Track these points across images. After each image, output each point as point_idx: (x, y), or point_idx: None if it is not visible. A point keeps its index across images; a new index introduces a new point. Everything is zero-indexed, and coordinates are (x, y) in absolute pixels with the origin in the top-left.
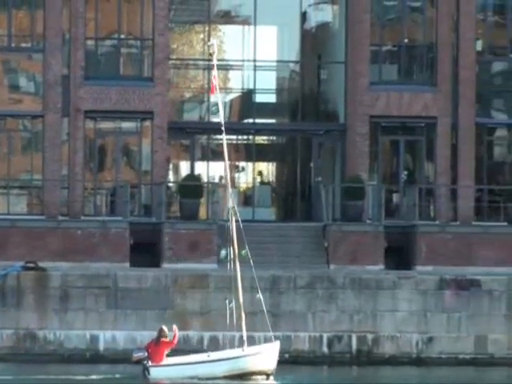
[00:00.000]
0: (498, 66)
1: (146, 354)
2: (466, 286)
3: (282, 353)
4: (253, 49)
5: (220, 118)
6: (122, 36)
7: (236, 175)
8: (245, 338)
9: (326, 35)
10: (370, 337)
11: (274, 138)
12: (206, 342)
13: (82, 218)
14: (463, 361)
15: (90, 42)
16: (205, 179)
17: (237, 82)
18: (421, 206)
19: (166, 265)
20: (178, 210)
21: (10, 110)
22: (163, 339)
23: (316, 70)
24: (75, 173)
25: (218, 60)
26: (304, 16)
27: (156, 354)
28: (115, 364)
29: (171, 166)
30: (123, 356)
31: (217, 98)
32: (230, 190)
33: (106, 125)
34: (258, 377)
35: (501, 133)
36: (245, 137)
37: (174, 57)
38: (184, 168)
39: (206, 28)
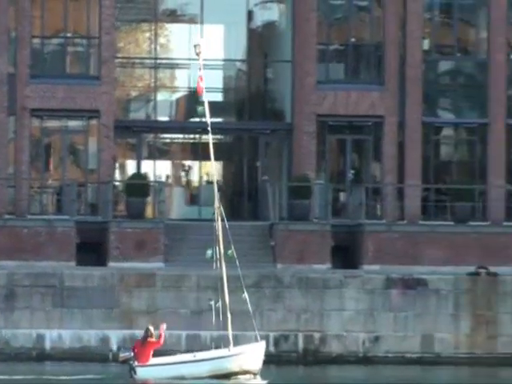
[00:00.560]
0: (444, 65)
1: (132, 353)
2: (413, 285)
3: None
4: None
5: (207, 119)
6: (69, 34)
7: (182, 174)
8: (230, 338)
9: (272, 34)
10: (316, 336)
11: (221, 137)
12: None
13: (29, 216)
14: (410, 360)
15: (37, 41)
16: (151, 178)
17: (183, 80)
18: (368, 205)
19: (112, 264)
20: (124, 209)
21: None
22: (149, 339)
23: (263, 69)
24: (21, 171)
25: (164, 59)
26: (251, 15)
27: (142, 353)
28: (61, 362)
29: (118, 164)
30: (69, 355)
31: (204, 98)
32: (216, 190)
33: (53, 123)
34: (243, 376)
35: (447, 132)
36: (191, 136)
37: (121, 55)
38: (130, 167)
39: (153, 27)
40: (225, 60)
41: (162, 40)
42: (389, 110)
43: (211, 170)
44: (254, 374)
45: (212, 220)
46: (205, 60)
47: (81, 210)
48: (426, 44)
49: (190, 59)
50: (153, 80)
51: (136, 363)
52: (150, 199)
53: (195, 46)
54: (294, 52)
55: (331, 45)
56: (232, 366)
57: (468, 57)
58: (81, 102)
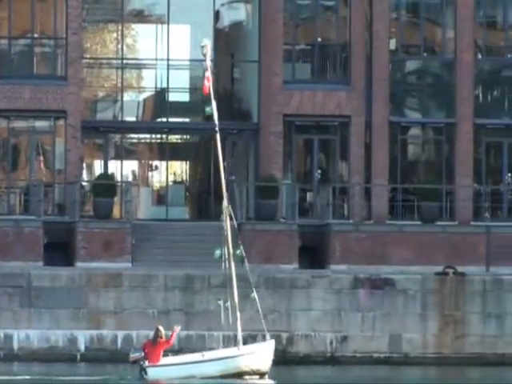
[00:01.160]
0: (411, 65)
1: (143, 354)
2: (381, 285)
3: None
4: (166, 48)
5: (214, 119)
6: (36, 35)
7: (149, 174)
8: (239, 337)
9: (239, 34)
10: (284, 336)
11: (188, 136)
12: (119, 341)
13: None
14: (378, 360)
15: (3, 41)
16: (118, 178)
17: (150, 80)
18: (335, 204)
19: (79, 264)
20: (91, 209)
21: None
22: (160, 339)
23: (229, 69)
24: None
25: (131, 59)
26: (217, 15)
27: (153, 354)
28: (30, 363)
29: (85, 165)
30: (37, 355)
31: (211, 98)
32: (224, 190)
33: (20, 124)
34: (253, 376)
35: (414, 131)
36: (158, 136)
37: (88, 56)
38: (98, 167)
39: (119, 27)
40: (191, 60)
41: (128, 40)
42: (355, 109)
43: (220, 170)
44: (264, 374)
45: (178, 220)
46: (171, 60)
47: (48, 211)
48: (392, 44)
49: (156, 59)
50: (120, 80)
51: (147, 363)
52: (117, 199)
53: (202, 47)
54: (261, 52)
55: (298, 45)
56: (242, 365)
57: (435, 56)
58: (48, 103)
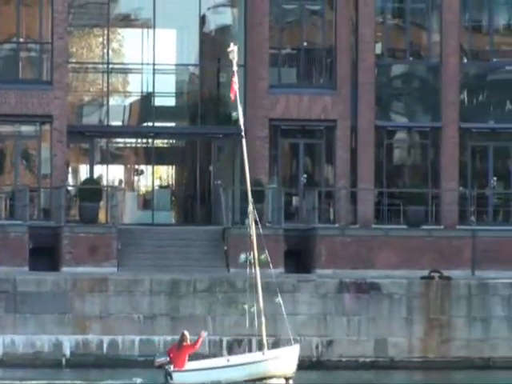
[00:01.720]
0: (397, 69)
1: (168, 358)
2: (366, 289)
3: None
4: (152, 52)
5: (240, 123)
6: (21, 40)
7: (135, 178)
8: (265, 341)
9: (225, 38)
10: (270, 340)
11: (174, 141)
12: (105, 346)
13: None
14: (363, 364)
15: None
16: (104, 183)
17: (136, 85)
18: (320, 209)
19: (65, 268)
20: (77, 214)
21: None
22: (185, 343)
23: (215, 74)
24: None
25: (117, 63)
26: (203, 19)
27: (178, 358)
28: (15, 368)
29: (70, 169)
30: (23, 361)
31: (237, 103)
32: (250, 194)
33: (5, 128)
34: (278, 380)
35: (400, 136)
36: (144, 140)
37: (73, 60)
38: (83, 171)
39: (105, 32)
40: (177, 64)
41: (114, 45)
42: (341, 114)
43: (245, 175)
44: (289, 378)
45: (164, 224)
46: (157, 64)
47: (34, 215)
48: (378, 48)
49: (142, 64)
50: (105, 85)
51: (172, 368)
52: (102, 204)
53: (229, 52)
54: (247, 56)
55: (283, 49)
56: (267, 370)
57: (420, 61)
58: (33, 108)
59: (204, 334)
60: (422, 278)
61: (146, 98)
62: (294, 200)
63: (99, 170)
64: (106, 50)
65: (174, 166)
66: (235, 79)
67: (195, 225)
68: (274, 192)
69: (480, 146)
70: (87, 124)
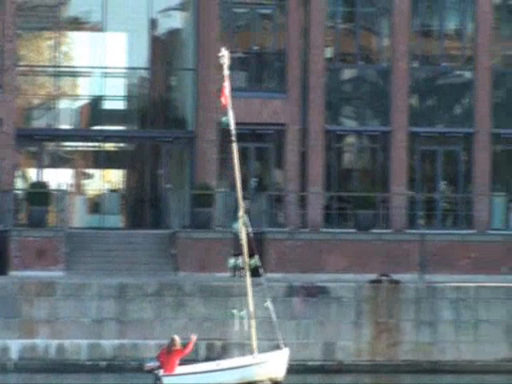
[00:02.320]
0: (347, 73)
1: (158, 363)
2: (315, 292)
3: (129, 360)
4: (102, 55)
5: (231, 128)
6: None
7: (84, 182)
8: (255, 346)
9: (175, 42)
10: (218, 344)
11: (123, 145)
12: (53, 351)
13: None
14: (312, 367)
15: None
16: (53, 186)
17: (85, 88)
18: (270, 212)
19: (13, 272)
20: (25, 218)
21: None
22: (174, 348)
23: (166, 77)
24: None
25: (66, 67)
26: (154, 23)
27: (168, 363)
28: None
29: (19, 173)
30: None
31: (228, 108)
32: (240, 198)
33: None
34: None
35: (350, 140)
36: (93, 144)
37: (22, 63)
38: (32, 175)
39: (55, 34)
40: (128, 68)
41: (64, 48)
42: (291, 117)
43: (236, 176)
44: (279, 382)
45: (113, 228)
46: (107, 68)
47: None
48: (328, 52)
49: (92, 67)
50: (55, 88)
51: (162, 372)
52: (51, 208)
53: (220, 57)
54: (197, 60)
55: (234, 53)
56: (257, 373)
57: (371, 65)
58: None
59: (194, 337)
60: (371, 281)
61: (96, 102)
62: (244, 204)
63: (48, 173)
64: (55, 53)
65: (123, 170)
66: (226, 84)
67: (144, 229)
68: (224, 196)
69: (429, 150)
70: (36, 127)
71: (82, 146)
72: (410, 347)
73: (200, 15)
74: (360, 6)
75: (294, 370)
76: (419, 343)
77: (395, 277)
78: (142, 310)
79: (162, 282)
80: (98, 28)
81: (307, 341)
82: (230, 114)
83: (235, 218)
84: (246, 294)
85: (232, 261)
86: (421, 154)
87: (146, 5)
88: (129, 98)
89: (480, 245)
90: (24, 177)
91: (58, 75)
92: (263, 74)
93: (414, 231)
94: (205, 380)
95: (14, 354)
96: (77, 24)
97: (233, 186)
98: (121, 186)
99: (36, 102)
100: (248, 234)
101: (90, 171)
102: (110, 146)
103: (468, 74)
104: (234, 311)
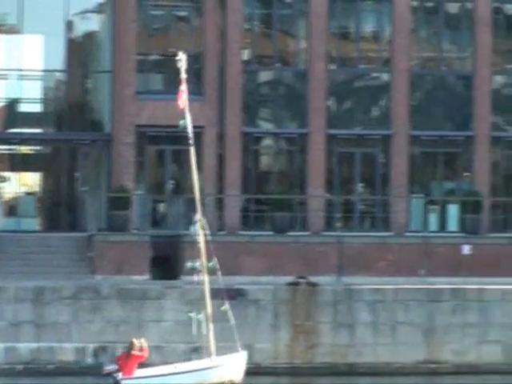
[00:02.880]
0: (264, 76)
1: (117, 366)
2: (233, 295)
3: (45, 364)
4: (18, 58)
5: (189, 131)
6: None
7: (0, 185)
8: (212, 349)
9: (92, 44)
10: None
11: (40, 147)
12: None
13: None
14: None
15: None
16: None
17: (1, 91)
18: (187, 215)
19: None
20: None
21: None
22: (133, 352)
23: (82, 80)
24: None
25: None
26: (70, 25)
27: (126, 366)
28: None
29: None
30: None
31: (185, 112)
32: (198, 201)
33: None
34: None
35: (267, 142)
36: (10, 147)
37: None
38: None
39: None
40: (44, 70)
41: None
42: (209, 120)
43: (193, 180)
44: None
45: (29, 231)
46: (24, 70)
47: None
48: (245, 54)
49: (8, 70)
50: None
51: (120, 376)
52: None
53: (178, 60)
54: (114, 62)
55: (150, 55)
56: (215, 376)
57: (288, 67)
58: None
59: (143, 341)
60: (289, 284)
61: (12, 104)
62: (161, 206)
63: None
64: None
65: (39, 173)
66: (183, 88)
67: (61, 232)
68: (141, 199)
69: (347, 152)
70: None
71: None
72: (328, 349)
73: (116, 18)
74: (277, 9)
75: None
76: (337, 345)
77: (313, 279)
78: (58, 313)
79: (79, 285)
80: (14, 30)
81: (225, 343)
82: (188, 117)
83: (192, 222)
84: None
85: (189, 264)
86: (338, 156)
87: (63, 7)
88: (45, 100)
89: (398, 247)
90: None
91: None
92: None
93: (331, 233)
94: (163, 383)
95: None
96: None
97: (149, 189)
98: (37, 189)
99: None
100: (206, 238)
101: (6, 174)
102: (26, 149)
103: (385, 76)
104: (192, 314)
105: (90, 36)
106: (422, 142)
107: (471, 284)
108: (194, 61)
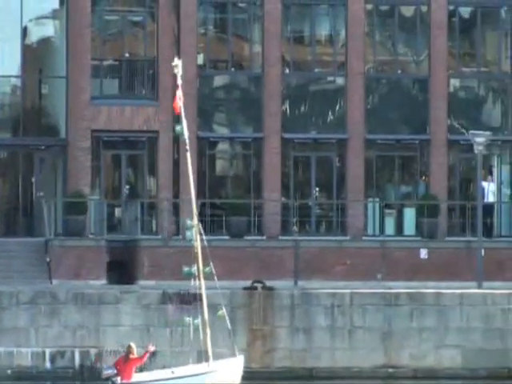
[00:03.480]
0: (219, 80)
1: (115, 371)
2: (189, 300)
3: (4, 368)
4: None
5: (185, 138)
6: None
7: None
8: (210, 353)
9: (47, 50)
10: (92, 352)
11: None
12: None
13: None
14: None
15: None
16: None
17: None
18: (143, 220)
19: None
20: None
21: None
22: (131, 356)
23: (37, 85)
24: None
25: None
26: (25, 30)
27: (125, 370)
28: None
29: None
30: None
31: (181, 117)
32: (194, 207)
33: None
34: None
35: (223, 146)
36: None
37: None
38: None
39: None
40: None
41: None
42: (163, 125)
43: (190, 184)
44: None
45: None
46: None
47: None
48: (200, 59)
49: None
50: None
51: (119, 380)
52: None
53: (174, 67)
54: (69, 68)
55: (105, 60)
56: (212, 381)
57: (243, 71)
58: None
59: (151, 347)
60: (245, 288)
61: None
62: (117, 211)
63: None
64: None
65: None
66: (179, 93)
67: (18, 237)
68: (96, 203)
69: (302, 156)
70: None
71: None
72: (285, 354)
73: (71, 23)
74: (231, 13)
75: None
76: (294, 350)
77: (269, 283)
78: (16, 317)
79: (37, 289)
80: None
81: (181, 348)
82: (184, 123)
83: (188, 227)
84: (117, 302)
85: (186, 269)
86: (294, 161)
87: (18, 13)
88: (1, 105)
89: (355, 251)
90: None
91: None
92: (135, 81)
93: (287, 238)
94: None
95: None
96: None
97: (105, 194)
98: None
99: None
100: (203, 242)
101: None
102: None
103: (340, 80)
104: (189, 319)
105: (45, 42)
106: (377, 146)
107: (429, 288)
108: (149, 66)
